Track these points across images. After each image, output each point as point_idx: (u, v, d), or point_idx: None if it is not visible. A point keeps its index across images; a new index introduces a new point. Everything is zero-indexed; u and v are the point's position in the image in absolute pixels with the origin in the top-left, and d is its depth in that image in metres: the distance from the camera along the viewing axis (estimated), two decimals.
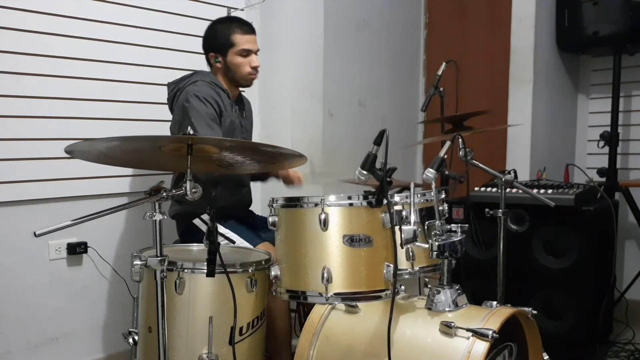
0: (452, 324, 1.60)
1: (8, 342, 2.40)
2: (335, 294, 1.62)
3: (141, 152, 1.71)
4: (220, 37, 2.40)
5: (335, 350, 1.79)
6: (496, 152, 3.44)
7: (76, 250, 2.56)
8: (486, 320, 1.61)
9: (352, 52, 3.42)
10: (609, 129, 3.24)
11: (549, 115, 3.43)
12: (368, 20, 3.51)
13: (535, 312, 1.76)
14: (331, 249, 1.62)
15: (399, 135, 3.68)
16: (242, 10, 3.13)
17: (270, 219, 1.73)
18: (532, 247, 2.68)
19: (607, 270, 2.79)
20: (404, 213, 1.63)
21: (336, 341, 1.79)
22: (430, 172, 1.76)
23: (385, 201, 1.60)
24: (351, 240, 1.61)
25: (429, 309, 1.73)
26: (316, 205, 1.63)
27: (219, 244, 1.62)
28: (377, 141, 1.62)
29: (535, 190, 2.59)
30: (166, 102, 2.47)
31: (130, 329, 1.93)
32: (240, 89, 2.54)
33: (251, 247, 2.24)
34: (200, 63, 2.51)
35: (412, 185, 1.63)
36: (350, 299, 1.68)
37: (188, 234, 2.37)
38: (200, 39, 2.48)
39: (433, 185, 1.72)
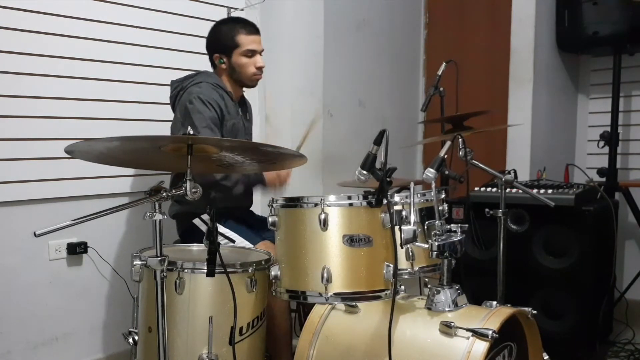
0: (452, 324, 1.60)
1: (8, 342, 2.40)
2: (335, 294, 1.62)
3: (141, 152, 1.71)
4: (224, 38, 2.40)
5: (335, 350, 1.79)
6: (496, 152, 3.44)
7: (76, 250, 2.55)
8: (486, 320, 1.61)
9: (352, 52, 3.42)
10: (609, 129, 3.24)
11: (549, 115, 3.43)
12: (368, 20, 3.51)
13: (535, 312, 1.76)
14: (331, 249, 1.62)
15: (399, 135, 3.68)
16: (242, 10, 3.13)
17: (270, 219, 1.73)
18: (532, 247, 2.68)
19: (607, 270, 2.79)
20: (403, 213, 1.63)
21: (336, 341, 1.79)
22: (430, 172, 1.76)
23: (385, 201, 1.60)
24: (351, 240, 1.61)
25: (429, 309, 1.73)
26: (316, 205, 1.63)
27: (219, 244, 1.62)
28: (377, 141, 1.63)
29: (535, 190, 2.59)
30: (167, 101, 2.48)
31: (130, 329, 1.93)
32: (244, 89, 2.53)
33: (251, 246, 2.24)
34: (200, 63, 2.51)
35: (412, 185, 1.63)
36: (350, 299, 1.68)
37: (188, 234, 2.37)
38: (201, 39, 2.48)
39: (433, 185, 1.72)
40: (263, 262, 1.89)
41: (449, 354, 1.59)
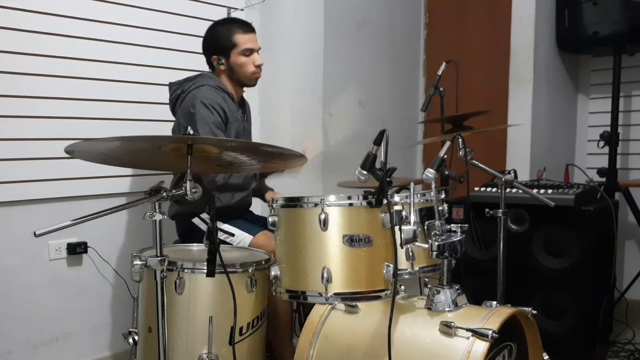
0: (452, 324, 1.60)
1: (8, 342, 2.40)
2: (335, 294, 1.62)
3: (141, 152, 1.71)
4: (221, 39, 2.40)
5: (335, 350, 1.79)
6: (496, 152, 3.44)
7: (76, 250, 2.56)
8: (486, 320, 1.61)
9: (352, 52, 3.42)
10: (609, 129, 3.24)
11: (549, 115, 3.43)
12: (368, 20, 3.51)
13: (535, 312, 1.76)
14: (331, 249, 1.62)
15: (399, 135, 3.68)
16: (242, 10, 3.13)
17: (270, 219, 1.73)
18: (532, 247, 2.68)
19: (607, 270, 2.79)
20: (403, 213, 1.63)
21: (336, 341, 1.79)
22: (430, 172, 1.76)
23: (385, 201, 1.60)
24: (351, 240, 1.61)
25: (429, 309, 1.73)
26: (316, 205, 1.63)
27: (219, 244, 1.63)
28: (377, 141, 1.62)
29: (535, 190, 2.59)
30: (166, 102, 2.47)
31: (130, 329, 1.93)
32: (244, 89, 2.53)
33: (251, 237, 2.24)
34: (200, 63, 2.51)
35: (412, 185, 1.63)
36: (350, 299, 1.68)
37: (188, 234, 2.37)
38: (201, 39, 2.48)
39: (433, 185, 1.72)
40: (263, 262, 1.89)
41: (449, 354, 1.59)
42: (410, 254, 1.66)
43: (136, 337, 1.91)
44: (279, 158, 1.92)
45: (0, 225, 2.36)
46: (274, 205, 1.73)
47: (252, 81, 2.45)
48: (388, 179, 1.60)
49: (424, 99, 2.73)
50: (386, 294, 1.64)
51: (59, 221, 1.42)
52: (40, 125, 2.43)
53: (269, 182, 2.69)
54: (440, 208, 1.70)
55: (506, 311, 1.67)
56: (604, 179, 3.19)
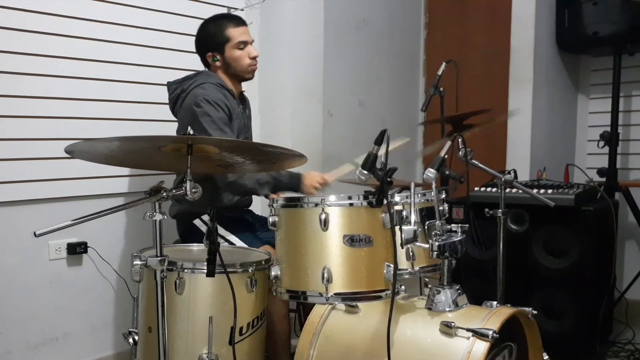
0: (452, 324, 1.60)
1: (8, 342, 2.40)
2: (335, 294, 1.62)
3: (141, 152, 1.70)
4: (214, 35, 2.39)
5: (335, 350, 1.79)
6: (496, 152, 3.44)
7: (76, 250, 2.55)
8: (486, 320, 1.61)
9: (352, 52, 3.42)
10: (609, 129, 3.24)
11: (549, 115, 3.43)
12: (368, 20, 3.51)
13: (535, 312, 1.76)
14: (331, 249, 1.62)
15: (399, 135, 3.67)
16: (242, 10, 3.13)
17: (271, 219, 1.73)
18: (532, 247, 2.68)
19: (607, 270, 2.79)
20: (404, 213, 1.63)
21: (336, 341, 1.79)
22: (431, 172, 1.76)
23: (385, 201, 1.60)
24: (351, 240, 1.61)
25: (429, 309, 1.73)
26: (316, 205, 1.63)
27: (219, 244, 1.62)
28: (378, 141, 1.63)
29: (535, 190, 2.59)
30: (166, 102, 2.47)
31: (130, 329, 1.93)
32: (242, 84, 2.53)
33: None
34: (200, 63, 2.51)
35: (412, 185, 1.63)
36: (351, 299, 1.68)
37: (188, 234, 2.37)
38: None
39: (433, 185, 1.72)
40: (263, 262, 1.88)
41: (449, 354, 1.58)
42: (411, 254, 1.66)
43: (136, 337, 1.91)
44: (279, 158, 1.92)
45: (0, 225, 2.36)
46: (274, 205, 1.73)
47: (249, 74, 2.44)
48: (388, 179, 1.60)
49: (424, 99, 2.73)
50: (386, 294, 1.64)
51: (59, 221, 1.42)
52: (40, 125, 2.43)
53: None
54: (440, 208, 1.70)
55: (506, 311, 1.67)
56: (604, 179, 3.20)
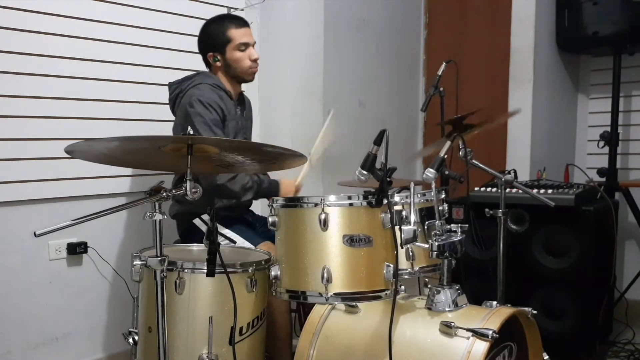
0: (452, 324, 1.60)
1: (8, 342, 2.40)
2: (335, 294, 1.62)
3: (141, 152, 1.70)
4: (215, 35, 2.40)
5: (335, 350, 1.79)
6: (496, 152, 3.44)
7: (76, 250, 2.55)
8: (486, 320, 1.61)
9: (352, 52, 3.42)
10: (609, 129, 3.24)
11: (549, 115, 3.43)
12: (368, 20, 3.51)
13: (535, 312, 1.76)
14: (331, 249, 1.62)
15: (399, 136, 3.69)
16: (242, 10, 3.13)
17: (270, 219, 1.73)
18: (532, 247, 2.68)
19: (607, 270, 2.79)
20: (404, 213, 1.63)
21: (336, 341, 1.79)
22: (430, 172, 1.76)
23: (385, 201, 1.60)
24: (351, 240, 1.61)
25: (429, 309, 1.73)
26: (316, 205, 1.63)
27: (219, 244, 1.63)
28: (377, 141, 1.63)
29: (535, 190, 2.59)
30: (166, 102, 2.47)
31: (130, 329, 1.93)
32: (242, 85, 2.53)
33: (252, 246, 2.24)
34: (200, 63, 2.51)
35: (412, 185, 1.63)
36: (350, 299, 1.68)
37: (188, 234, 2.37)
38: None
39: (433, 185, 1.72)
40: (263, 262, 1.89)
41: (449, 354, 1.58)
42: (411, 254, 1.66)
43: (136, 337, 1.91)
44: (279, 158, 1.92)
45: (0, 225, 2.36)
46: (274, 205, 1.73)
47: (249, 76, 2.44)
48: (388, 179, 1.60)
49: (424, 99, 2.73)
50: (386, 294, 1.64)
51: (59, 221, 1.42)
52: (40, 125, 2.43)
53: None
54: (440, 208, 1.70)
55: (506, 311, 1.67)
56: (604, 179, 3.20)
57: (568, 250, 2.63)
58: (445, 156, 1.81)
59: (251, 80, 2.49)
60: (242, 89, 2.56)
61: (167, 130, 2.46)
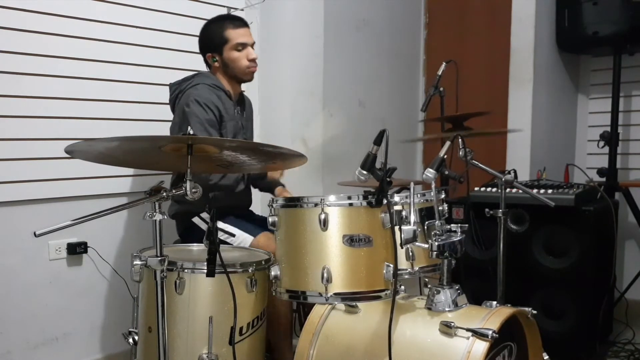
0: (452, 324, 1.60)
1: (8, 342, 2.40)
2: (335, 294, 1.62)
3: (141, 152, 1.71)
4: (214, 35, 2.41)
5: (335, 350, 1.79)
6: (496, 152, 3.44)
7: (76, 250, 2.55)
8: (486, 320, 1.61)
9: (352, 52, 3.42)
10: (609, 129, 3.24)
11: (549, 115, 3.43)
12: (368, 20, 3.51)
13: (535, 312, 1.76)
14: (331, 249, 1.62)
15: (398, 135, 3.68)
16: (242, 10, 3.13)
17: (270, 219, 1.73)
18: (532, 247, 2.68)
19: (607, 270, 2.79)
20: (403, 213, 1.63)
21: (336, 341, 1.79)
22: (430, 172, 1.76)
23: (385, 201, 1.60)
24: (351, 240, 1.61)
25: (429, 309, 1.73)
26: (316, 205, 1.63)
27: (219, 244, 1.63)
28: (377, 141, 1.63)
29: (535, 190, 2.59)
30: (167, 102, 2.48)
31: (130, 329, 1.93)
32: (242, 85, 2.53)
33: (252, 238, 2.24)
34: (200, 63, 2.51)
35: (412, 185, 1.63)
36: (350, 299, 1.68)
37: (188, 234, 2.37)
38: None
39: (433, 185, 1.72)
40: (263, 262, 1.89)
41: (449, 354, 1.59)
42: (410, 254, 1.66)
43: (136, 337, 1.91)
44: (279, 158, 1.92)
45: (0, 225, 2.36)
46: (274, 205, 1.73)
47: (247, 75, 2.45)
48: (388, 179, 1.60)
49: (424, 99, 2.73)
50: (386, 294, 1.64)
51: (59, 221, 1.42)
52: (40, 125, 2.43)
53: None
54: (440, 208, 1.70)
55: (506, 311, 1.67)
56: (604, 179, 3.19)
57: (568, 250, 2.62)
58: (445, 156, 1.81)
59: (250, 80, 2.49)
60: (243, 89, 2.56)
61: (167, 130, 2.46)
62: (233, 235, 2.27)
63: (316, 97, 3.20)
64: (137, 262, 1.64)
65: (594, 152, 3.42)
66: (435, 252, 1.62)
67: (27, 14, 2.36)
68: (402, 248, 1.62)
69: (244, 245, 2.27)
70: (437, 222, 1.68)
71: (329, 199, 1.63)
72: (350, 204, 1.63)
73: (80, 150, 1.62)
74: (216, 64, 2.41)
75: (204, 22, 2.51)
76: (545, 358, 1.88)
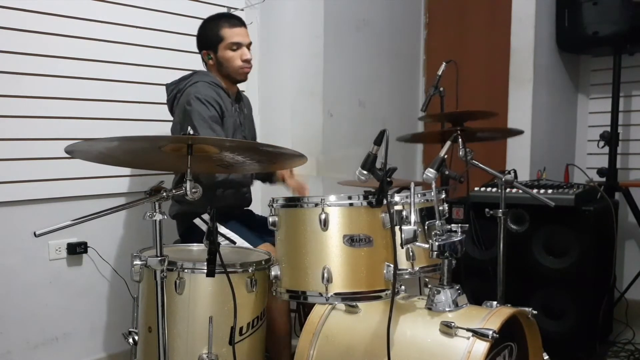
0: (452, 324, 1.60)
1: (8, 342, 2.40)
2: (335, 294, 1.62)
3: (141, 152, 1.70)
4: (209, 33, 2.41)
5: (335, 350, 1.79)
6: (496, 152, 3.44)
7: (76, 250, 2.55)
8: (486, 320, 1.61)
9: (352, 52, 3.42)
10: (609, 129, 3.24)
11: (549, 115, 3.43)
12: (368, 20, 3.51)
13: (535, 312, 1.76)
14: (331, 249, 1.62)
15: (399, 135, 3.68)
16: (242, 10, 3.13)
17: (271, 219, 1.73)
18: (532, 247, 2.68)
19: (607, 270, 2.79)
20: (404, 213, 1.63)
21: (336, 341, 1.79)
22: (431, 172, 1.76)
23: (385, 201, 1.60)
24: (351, 240, 1.61)
25: (429, 309, 1.73)
26: (316, 205, 1.63)
27: (219, 244, 1.62)
28: (377, 141, 1.63)
29: (535, 190, 2.59)
30: (166, 102, 2.47)
31: (130, 329, 1.93)
32: (242, 85, 2.53)
33: (252, 247, 2.24)
34: (200, 63, 2.51)
35: (412, 185, 1.63)
36: (350, 299, 1.68)
37: (188, 234, 2.37)
38: None
39: (433, 185, 1.72)
40: (263, 262, 1.88)
41: (449, 354, 1.58)
42: (411, 254, 1.66)
43: (136, 337, 1.91)
44: (279, 158, 1.92)
45: (0, 225, 2.36)
46: (274, 205, 1.73)
47: (240, 76, 2.44)
48: (388, 179, 1.60)
49: (424, 99, 2.73)
50: (386, 294, 1.64)
51: (59, 221, 1.42)
52: (40, 125, 2.43)
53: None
54: (440, 208, 1.70)
55: (506, 311, 1.67)
56: (604, 179, 3.19)
57: (568, 250, 2.62)
58: (446, 156, 1.82)
59: (243, 81, 2.48)
60: (241, 89, 2.56)
61: (167, 130, 2.46)
62: (234, 242, 2.27)
63: (316, 97, 3.20)
64: (137, 262, 1.63)
65: (594, 152, 3.43)
66: (435, 252, 1.62)
67: (27, 14, 2.36)
68: (402, 248, 1.61)
69: None
70: (437, 222, 1.68)
71: (329, 199, 1.63)
72: (351, 204, 1.63)
73: (80, 150, 1.62)
74: (211, 61, 2.42)
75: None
76: (545, 358, 1.88)
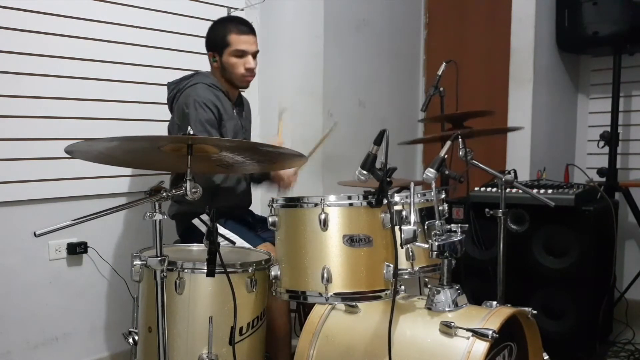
0: (452, 324, 1.60)
1: (8, 342, 2.40)
2: (335, 294, 1.62)
3: (141, 152, 1.71)
4: (217, 36, 2.40)
5: (335, 350, 1.79)
6: (496, 152, 3.44)
7: (76, 250, 2.55)
8: (486, 320, 1.61)
9: (352, 52, 3.42)
10: (609, 129, 3.24)
11: (549, 115, 3.43)
12: (368, 20, 3.51)
13: (535, 312, 1.76)
14: (331, 249, 1.62)
15: (399, 135, 3.67)
16: (242, 10, 3.13)
17: (270, 219, 1.73)
18: (532, 247, 2.68)
19: (607, 270, 2.79)
20: (404, 213, 1.63)
21: (336, 341, 1.79)
22: (431, 172, 1.76)
23: (385, 201, 1.60)
24: (351, 240, 1.61)
25: (429, 309, 1.73)
26: (316, 205, 1.63)
27: (219, 244, 1.62)
28: (377, 141, 1.63)
29: (535, 190, 2.59)
30: (166, 102, 2.48)
31: (130, 329, 1.93)
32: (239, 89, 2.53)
33: (251, 247, 2.24)
34: (200, 63, 2.52)
35: (412, 185, 1.63)
36: (350, 299, 1.68)
37: (188, 234, 2.36)
38: (201, 39, 2.48)
39: (433, 185, 1.72)
40: (263, 262, 1.88)
41: (449, 354, 1.58)
42: (411, 254, 1.66)
43: (136, 337, 1.91)
44: (279, 158, 1.92)
45: (0, 225, 2.36)
46: (274, 205, 1.73)
47: (242, 83, 2.44)
48: (388, 179, 1.60)
49: (424, 99, 2.73)
50: (386, 294, 1.64)
51: (59, 221, 1.42)
52: (40, 125, 2.43)
53: None
54: (440, 208, 1.70)
55: (506, 311, 1.67)
56: (604, 179, 3.19)
57: (568, 250, 2.62)
58: (445, 156, 1.81)
59: (244, 88, 2.49)
60: (242, 91, 2.56)
61: (167, 130, 2.46)
62: (233, 243, 2.27)
63: (316, 97, 3.20)
64: (137, 262, 1.64)
65: (594, 152, 3.43)
66: (435, 252, 1.62)
67: (27, 14, 2.36)
68: (402, 248, 1.62)
69: None
70: (437, 222, 1.68)
71: (329, 199, 1.63)
72: (351, 204, 1.63)
73: (80, 150, 1.62)
74: (215, 64, 2.42)
75: (204, 21, 2.52)
76: (545, 358, 1.88)
